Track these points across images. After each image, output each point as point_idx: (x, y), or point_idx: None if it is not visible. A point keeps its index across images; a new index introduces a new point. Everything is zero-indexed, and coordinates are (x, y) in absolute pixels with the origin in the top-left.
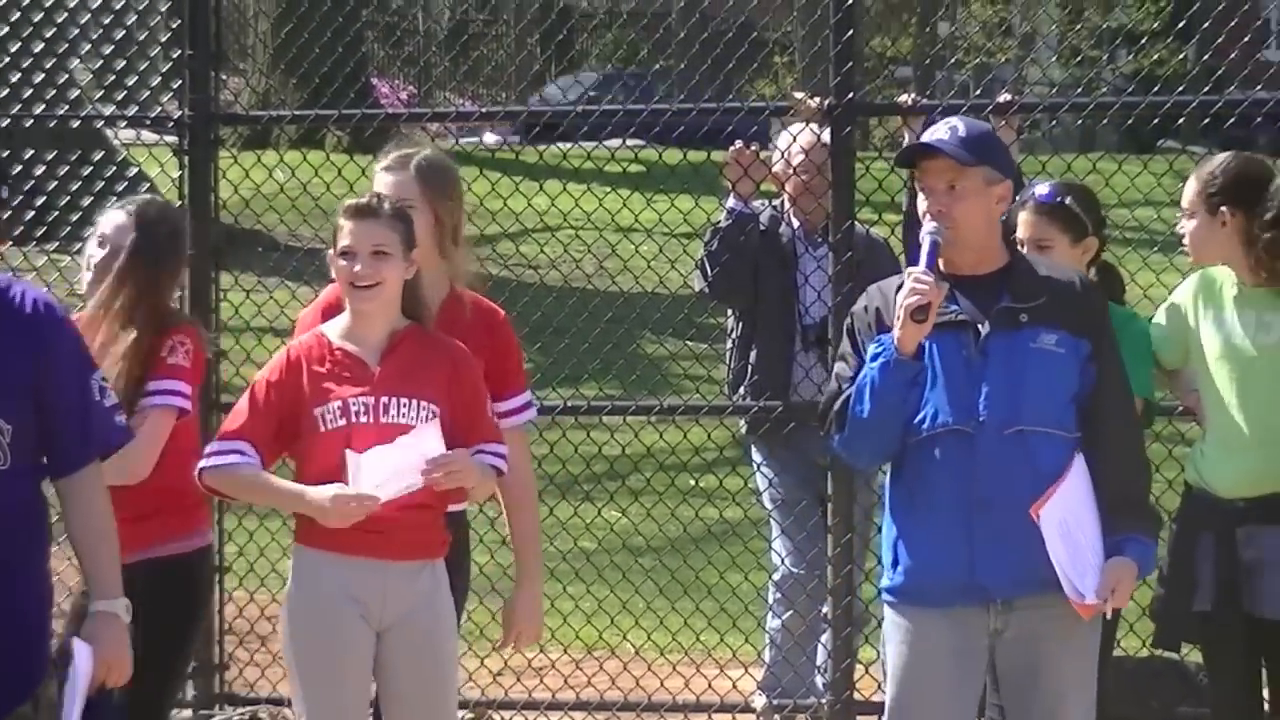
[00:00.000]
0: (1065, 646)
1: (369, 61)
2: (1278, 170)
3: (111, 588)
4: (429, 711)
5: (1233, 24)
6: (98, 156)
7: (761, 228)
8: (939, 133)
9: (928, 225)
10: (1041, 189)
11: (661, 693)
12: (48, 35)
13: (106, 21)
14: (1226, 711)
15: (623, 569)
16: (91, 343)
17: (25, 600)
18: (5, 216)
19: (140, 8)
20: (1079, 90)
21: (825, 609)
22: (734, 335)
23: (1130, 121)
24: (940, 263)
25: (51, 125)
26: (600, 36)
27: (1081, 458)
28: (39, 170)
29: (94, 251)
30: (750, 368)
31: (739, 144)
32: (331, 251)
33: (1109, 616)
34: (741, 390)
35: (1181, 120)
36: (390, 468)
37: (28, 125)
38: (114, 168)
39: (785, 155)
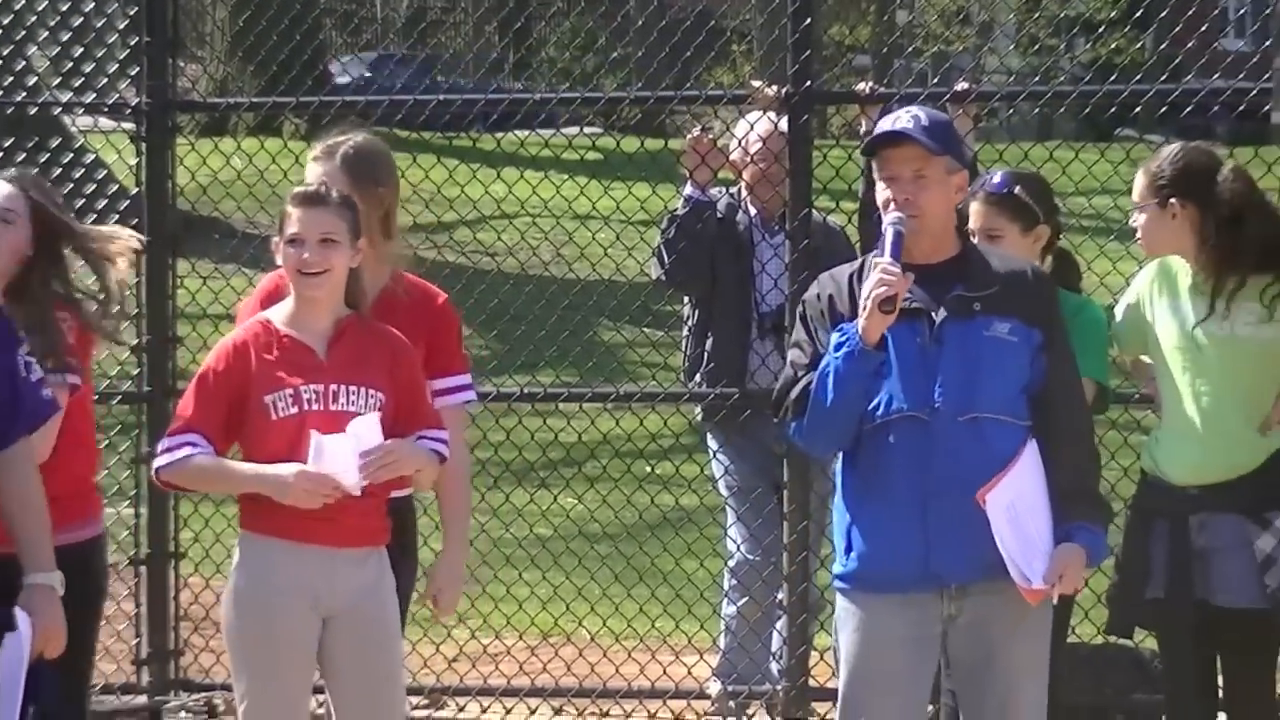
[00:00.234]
0: (1018, 632)
1: (327, 48)
2: (1226, 160)
3: (45, 561)
4: (377, 698)
5: (1190, 13)
6: (55, 143)
7: (718, 215)
8: (902, 121)
9: (891, 215)
10: (994, 179)
11: (617, 679)
12: (5, 22)
13: (64, 8)
14: (1180, 698)
15: (578, 555)
16: None
17: None
18: None
19: None
20: (1036, 79)
21: (780, 595)
22: (690, 323)
23: (1088, 110)
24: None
25: (9, 112)
26: (558, 24)
27: (1034, 444)
28: None
29: None
30: (706, 355)
31: (696, 131)
32: (277, 239)
33: (1055, 601)
34: (698, 377)
35: (1139, 109)
36: (345, 457)
37: None
38: (71, 155)
39: (742, 143)
